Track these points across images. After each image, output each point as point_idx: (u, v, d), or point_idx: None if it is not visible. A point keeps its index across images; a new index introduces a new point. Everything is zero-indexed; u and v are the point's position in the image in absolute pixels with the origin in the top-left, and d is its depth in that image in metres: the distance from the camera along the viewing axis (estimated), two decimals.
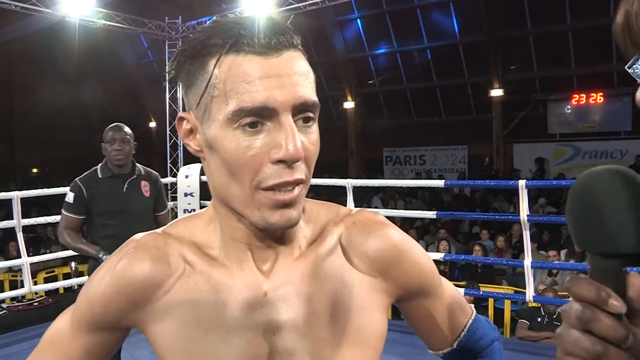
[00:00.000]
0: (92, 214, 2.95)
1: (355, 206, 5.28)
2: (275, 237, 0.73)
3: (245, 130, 0.65)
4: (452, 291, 0.87)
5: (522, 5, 12.97)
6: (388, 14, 15.20)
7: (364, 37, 16.22)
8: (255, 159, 0.65)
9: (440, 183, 4.23)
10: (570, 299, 0.46)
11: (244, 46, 0.65)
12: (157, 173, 3.25)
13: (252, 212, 0.67)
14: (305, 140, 0.67)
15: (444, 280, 0.87)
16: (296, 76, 0.66)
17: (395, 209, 11.43)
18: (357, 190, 4.89)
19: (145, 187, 3.07)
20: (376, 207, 11.48)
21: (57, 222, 3.10)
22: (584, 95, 13.27)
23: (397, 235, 0.79)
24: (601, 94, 13.09)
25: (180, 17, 8.44)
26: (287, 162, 0.65)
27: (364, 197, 13.11)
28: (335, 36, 16.30)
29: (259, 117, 0.64)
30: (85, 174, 3.01)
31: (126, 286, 0.74)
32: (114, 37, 13.56)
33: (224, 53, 0.65)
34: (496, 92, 13.97)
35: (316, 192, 15.39)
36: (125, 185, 3.00)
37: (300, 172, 0.67)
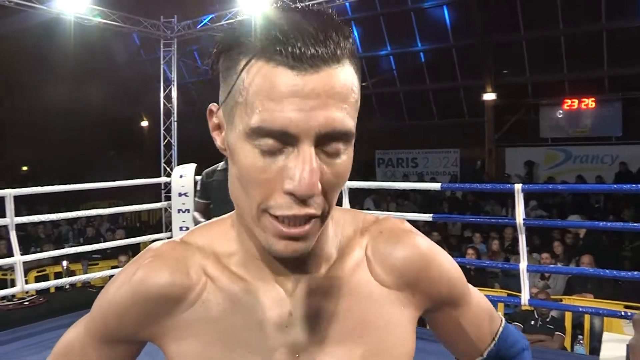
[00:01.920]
0: (211, 201, 3.45)
1: (351, 207, 5.28)
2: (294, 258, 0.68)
3: (263, 152, 0.59)
4: (480, 299, 0.84)
5: (516, 10, 13.05)
6: (382, 16, 15.23)
7: (358, 39, 16.24)
8: (267, 184, 0.59)
9: (436, 186, 4.23)
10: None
11: (276, 54, 0.57)
12: None
13: (258, 232, 0.63)
14: (328, 170, 0.60)
15: (471, 287, 0.83)
16: (330, 100, 0.57)
17: (388, 210, 11.46)
18: (350, 191, 4.91)
19: None
20: (368, 209, 11.51)
21: (49, 221, 3.34)
22: (575, 100, 13.37)
23: (425, 243, 0.75)
24: (593, 99, 13.20)
25: (175, 16, 8.39)
26: (298, 197, 0.58)
27: (356, 198, 13.13)
28: None
29: (278, 140, 0.58)
30: (205, 172, 3.56)
31: (142, 299, 0.70)
32: (107, 35, 13.47)
33: (255, 57, 0.58)
34: (489, 96, 14.04)
35: None
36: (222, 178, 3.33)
37: (315, 207, 0.60)
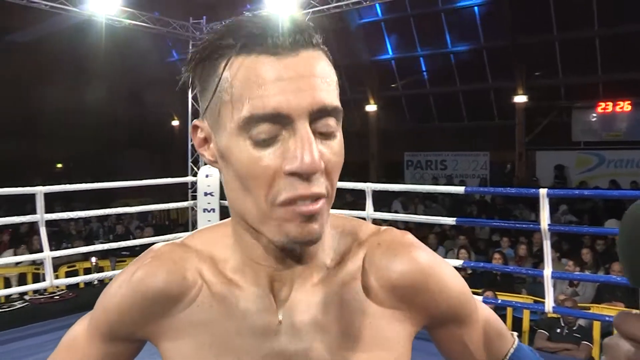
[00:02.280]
0: None
1: (375, 210, 5.27)
2: (295, 258, 0.67)
3: (258, 141, 0.59)
4: (489, 316, 0.79)
5: (548, 11, 12.80)
6: (412, 17, 15.14)
7: (388, 40, 16.19)
8: (267, 171, 0.59)
9: (460, 189, 4.18)
10: (616, 333, 0.42)
11: (256, 46, 0.59)
12: None
13: (269, 228, 0.62)
14: (326, 150, 0.60)
15: (479, 304, 0.79)
16: (315, 78, 0.59)
17: (415, 213, 11.37)
18: (378, 193, 4.88)
19: None
20: (396, 211, 11.46)
21: (81, 218, 3.25)
22: (610, 103, 13.04)
23: (425, 257, 0.72)
24: (628, 102, 12.85)
25: (205, 17, 8.50)
26: (302, 175, 0.58)
27: (384, 201, 13.07)
28: (358, 39, 16.30)
29: (272, 123, 0.58)
30: None
31: (141, 299, 0.71)
32: (138, 35, 13.73)
33: (235, 54, 0.59)
34: (520, 98, 13.81)
35: (340, 196, 15.42)
36: None
37: (319, 185, 0.60)
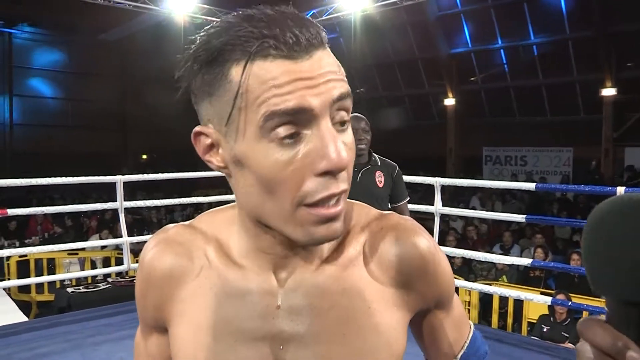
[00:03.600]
0: None
1: (451, 205, 5.14)
2: (301, 246, 0.68)
3: (283, 143, 0.58)
4: (458, 302, 0.81)
5: None
6: (493, 8, 14.67)
7: (467, 32, 15.78)
8: (296, 174, 0.59)
9: (531, 186, 4.01)
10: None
11: (271, 49, 0.57)
12: (394, 164, 3.16)
13: (293, 228, 0.62)
14: (343, 146, 0.60)
15: None
16: (329, 75, 0.59)
17: (493, 210, 11.05)
18: (455, 188, 4.77)
19: (379, 177, 3.03)
20: (474, 207, 11.19)
21: (163, 207, 3.23)
22: None
23: (426, 243, 0.72)
24: None
25: None
26: (334, 172, 0.59)
27: (461, 196, 12.81)
28: (437, 31, 16.00)
29: (295, 123, 0.58)
30: None
31: (152, 280, 0.74)
32: None
33: (250, 60, 0.58)
34: (608, 92, 13.04)
35: (413, 190, 15.26)
36: (359, 175, 2.96)
37: (344, 181, 0.61)
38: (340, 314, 0.69)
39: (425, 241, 0.72)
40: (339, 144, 0.58)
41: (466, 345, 0.81)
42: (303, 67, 0.58)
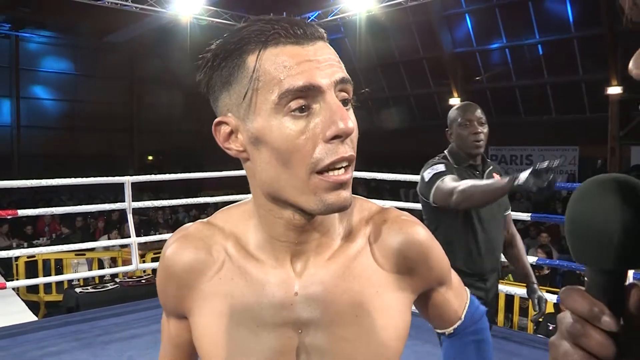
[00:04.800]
0: (446, 215, 2.21)
1: None
2: (314, 230, 0.74)
3: (295, 115, 0.66)
4: (454, 272, 0.91)
5: None
6: (498, 7, 14.66)
7: (472, 32, 15.77)
8: (308, 142, 0.66)
9: None
10: (557, 332, 0.45)
11: (282, 38, 0.67)
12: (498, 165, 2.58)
13: (307, 197, 0.68)
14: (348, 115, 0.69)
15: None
16: (332, 60, 0.68)
17: None
18: None
19: None
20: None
21: (169, 208, 2.86)
22: None
23: (424, 232, 0.81)
24: None
25: (285, 12, 8.68)
26: (342, 137, 0.66)
27: None
28: (442, 31, 16.00)
29: (305, 98, 0.66)
30: (436, 159, 2.31)
31: (172, 273, 0.79)
32: (221, 33, 14.26)
33: (263, 48, 0.67)
34: (614, 90, 13.00)
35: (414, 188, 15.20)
36: (485, 176, 2.32)
37: (352, 148, 0.68)
38: (352, 298, 0.75)
39: (423, 231, 0.81)
40: (345, 113, 0.66)
41: (467, 305, 0.92)
42: (309, 51, 0.67)
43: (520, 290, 4.51)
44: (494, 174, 2.34)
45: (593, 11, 13.03)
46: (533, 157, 15.40)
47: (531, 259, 4.53)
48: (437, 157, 2.33)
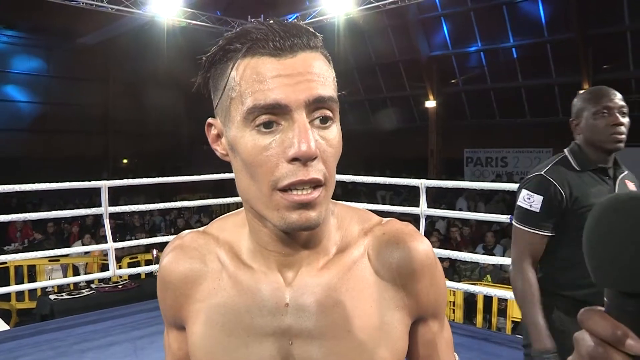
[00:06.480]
0: (567, 233, 1.79)
1: (434, 206, 5.17)
2: (301, 242, 0.73)
3: (261, 131, 0.64)
4: (449, 326, 0.85)
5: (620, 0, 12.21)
6: (473, 11, 14.83)
7: (448, 35, 15.93)
8: (271, 159, 0.64)
9: (514, 187, 4.06)
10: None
11: (259, 49, 0.65)
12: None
13: (271, 212, 0.67)
14: (322, 141, 0.66)
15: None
16: (310, 75, 0.65)
17: (476, 211, 11.16)
18: (437, 190, 4.81)
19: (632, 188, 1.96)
20: (461, 209, 11.29)
21: (145, 212, 2.74)
22: None
23: (425, 248, 0.77)
24: None
25: (262, 15, 8.65)
26: (301, 160, 0.63)
27: (443, 197, 12.92)
28: (418, 34, 16.13)
29: (272, 115, 0.64)
30: (549, 162, 1.91)
31: (169, 282, 0.80)
32: (203, 36, 14.16)
33: (240, 57, 0.66)
34: None
35: (396, 192, 15.37)
36: (617, 185, 1.89)
37: (317, 172, 0.65)
38: (345, 311, 0.73)
39: (425, 246, 0.77)
40: (310, 136, 0.63)
41: None
42: (286, 64, 0.65)
43: (499, 292, 4.55)
44: (627, 182, 1.92)
45: (565, 16, 13.28)
46: (508, 159, 15.61)
47: (509, 260, 4.59)
48: (552, 163, 1.89)
